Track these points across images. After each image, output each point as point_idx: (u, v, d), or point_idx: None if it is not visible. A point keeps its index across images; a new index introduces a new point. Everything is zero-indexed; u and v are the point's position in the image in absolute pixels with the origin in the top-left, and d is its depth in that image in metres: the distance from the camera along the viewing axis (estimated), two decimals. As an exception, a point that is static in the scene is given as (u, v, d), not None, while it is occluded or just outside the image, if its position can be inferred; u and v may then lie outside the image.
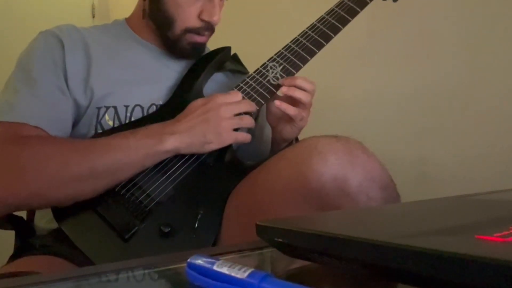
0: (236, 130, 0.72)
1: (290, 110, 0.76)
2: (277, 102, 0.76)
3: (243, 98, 0.76)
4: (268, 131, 0.90)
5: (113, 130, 0.76)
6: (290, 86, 0.76)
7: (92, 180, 0.66)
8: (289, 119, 0.79)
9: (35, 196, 0.65)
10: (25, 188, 0.64)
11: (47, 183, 0.65)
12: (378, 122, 1.34)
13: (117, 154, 0.66)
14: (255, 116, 0.95)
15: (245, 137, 0.73)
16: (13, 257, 0.75)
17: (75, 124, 0.78)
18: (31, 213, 0.85)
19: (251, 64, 0.87)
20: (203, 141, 0.69)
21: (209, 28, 0.84)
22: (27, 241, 0.77)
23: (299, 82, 0.76)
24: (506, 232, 0.26)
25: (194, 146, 0.69)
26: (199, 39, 0.84)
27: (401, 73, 1.32)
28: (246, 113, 0.75)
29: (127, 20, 0.91)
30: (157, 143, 0.67)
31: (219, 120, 0.69)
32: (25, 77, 0.76)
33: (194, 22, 0.81)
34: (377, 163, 0.57)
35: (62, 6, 2.13)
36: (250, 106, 0.75)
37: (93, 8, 2.27)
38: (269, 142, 0.89)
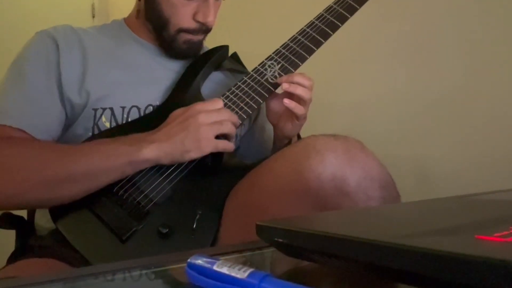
0: (220, 137, 0.70)
1: (298, 108, 0.76)
2: (286, 100, 0.75)
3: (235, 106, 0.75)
4: (269, 129, 0.90)
5: (109, 131, 0.76)
6: (289, 83, 0.76)
7: (69, 184, 0.65)
8: (290, 116, 0.79)
9: (12, 197, 0.65)
10: (2, 189, 0.64)
11: (24, 185, 0.65)
12: (378, 122, 1.34)
13: (96, 160, 0.66)
14: (255, 114, 0.95)
15: (226, 145, 0.71)
16: (11, 258, 0.74)
17: (70, 124, 0.78)
18: (32, 212, 0.85)
19: (250, 63, 0.86)
20: (182, 149, 0.67)
21: (204, 29, 0.83)
22: (27, 242, 0.77)
23: (298, 78, 0.76)
24: (506, 232, 0.26)
25: (174, 155, 0.67)
26: (194, 38, 0.83)
27: (401, 73, 1.32)
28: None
29: (126, 19, 0.91)
30: (136, 151, 0.66)
31: (198, 127, 0.67)
32: (15, 77, 0.77)
33: (189, 23, 0.81)
34: (376, 162, 0.57)
35: (62, 6, 2.13)
36: (231, 116, 0.72)
37: (93, 8, 2.27)
38: (271, 140, 0.89)
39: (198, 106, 0.70)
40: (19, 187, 0.65)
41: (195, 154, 0.68)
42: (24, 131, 0.72)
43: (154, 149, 0.66)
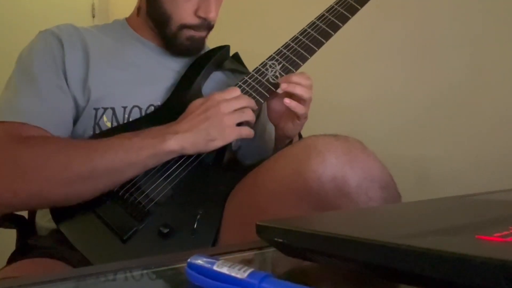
0: (239, 125, 0.71)
1: (299, 108, 0.76)
2: (286, 100, 0.75)
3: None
4: (270, 129, 0.90)
5: (110, 131, 0.76)
6: (288, 83, 0.76)
7: (94, 179, 0.65)
8: (291, 116, 0.79)
9: (36, 196, 0.65)
10: (26, 188, 0.64)
11: (48, 183, 0.64)
12: (378, 122, 1.34)
13: (120, 154, 0.66)
14: (257, 113, 0.95)
15: (249, 132, 0.73)
16: (11, 258, 0.74)
17: (73, 124, 0.78)
18: (33, 212, 0.85)
19: (252, 63, 0.87)
20: (207, 138, 0.68)
21: (206, 25, 0.83)
22: (27, 242, 0.77)
23: (295, 78, 0.76)
24: (506, 232, 0.26)
25: (199, 144, 0.68)
26: (196, 34, 0.83)
27: (402, 73, 1.32)
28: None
29: (128, 19, 0.91)
30: (160, 143, 0.66)
31: (221, 116, 0.69)
32: (25, 76, 0.76)
33: (191, 19, 0.81)
34: (377, 162, 0.57)
35: (62, 6, 2.13)
36: (250, 101, 0.74)
37: (93, 8, 2.27)
38: (272, 140, 0.89)
39: (218, 95, 0.71)
40: (44, 185, 0.64)
41: (220, 143, 0.69)
42: (41, 128, 0.72)
43: (178, 140, 0.67)
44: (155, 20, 0.84)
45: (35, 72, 0.76)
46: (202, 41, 0.86)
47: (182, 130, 0.68)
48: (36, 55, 0.78)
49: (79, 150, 0.67)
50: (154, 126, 0.70)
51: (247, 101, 0.74)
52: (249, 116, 0.73)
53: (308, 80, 0.77)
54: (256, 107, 0.76)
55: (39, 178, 0.64)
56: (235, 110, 0.71)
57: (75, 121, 0.78)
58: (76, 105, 0.77)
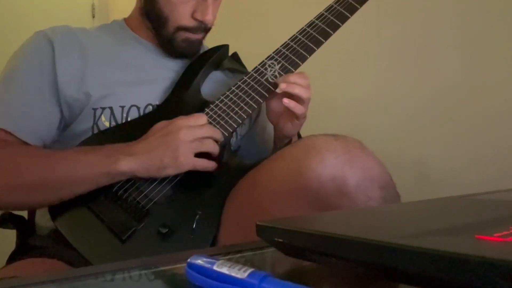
0: (199, 155, 0.69)
1: (298, 108, 0.76)
2: (285, 100, 0.75)
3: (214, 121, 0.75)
4: (269, 129, 0.90)
5: (109, 130, 0.76)
6: (287, 83, 0.76)
7: (44, 190, 0.66)
8: (290, 115, 0.79)
9: None
10: None
11: None
12: (378, 122, 1.34)
13: (72, 168, 0.66)
14: (256, 114, 0.95)
15: (205, 164, 0.69)
16: (11, 258, 0.74)
17: (69, 124, 0.78)
18: (32, 212, 0.85)
19: (251, 63, 0.86)
20: (159, 165, 0.66)
21: (203, 27, 0.83)
22: (26, 242, 0.77)
23: (294, 78, 0.76)
24: (506, 232, 0.26)
25: (151, 170, 0.67)
26: (192, 36, 0.83)
27: (401, 73, 1.32)
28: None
29: (126, 19, 0.91)
30: (113, 163, 0.65)
31: (178, 144, 0.66)
32: (7, 77, 0.77)
33: (187, 21, 0.81)
34: (376, 162, 0.57)
35: (62, 6, 2.13)
36: (214, 132, 0.71)
37: (93, 8, 2.27)
38: (271, 140, 0.89)
39: (181, 121, 0.69)
40: None
41: (171, 171, 0.67)
42: (8, 132, 0.72)
43: (130, 162, 0.66)
44: (152, 21, 0.84)
45: (17, 74, 0.76)
46: (198, 43, 0.86)
47: (137, 152, 0.67)
48: (22, 57, 0.78)
49: (33, 159, 0.68)
50: (151, 125, 0.71)
51: (211, 131, 0.71)
52: (209, 147, 0.69)
53: (306, 80, 0.77)
54: (222, 138, 0.73)
55: None
56: (195, 139, 0.68)
57: (71, 122, 0.78)
58: (71, 107, 0.77)
